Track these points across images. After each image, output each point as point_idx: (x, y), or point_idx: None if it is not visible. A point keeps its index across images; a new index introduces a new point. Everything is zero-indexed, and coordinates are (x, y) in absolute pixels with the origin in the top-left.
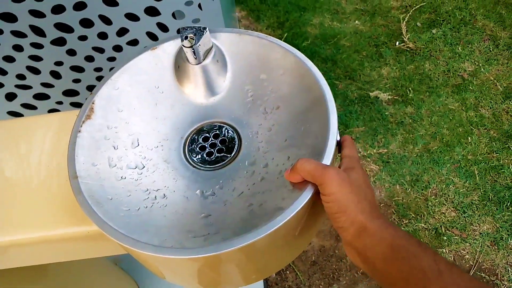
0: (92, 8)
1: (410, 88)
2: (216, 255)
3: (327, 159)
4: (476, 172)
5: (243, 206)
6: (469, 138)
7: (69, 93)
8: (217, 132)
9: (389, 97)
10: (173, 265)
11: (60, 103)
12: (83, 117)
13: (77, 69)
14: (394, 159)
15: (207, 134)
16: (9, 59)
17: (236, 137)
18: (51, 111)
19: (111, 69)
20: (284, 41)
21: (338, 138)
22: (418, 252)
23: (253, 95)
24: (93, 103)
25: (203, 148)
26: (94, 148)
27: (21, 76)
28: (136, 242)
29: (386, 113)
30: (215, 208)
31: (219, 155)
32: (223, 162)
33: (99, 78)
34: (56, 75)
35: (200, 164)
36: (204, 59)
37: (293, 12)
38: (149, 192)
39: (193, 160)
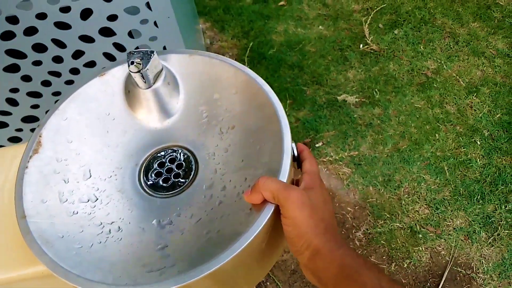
0: (43, 32)
1: (376, 90)
2: None
3: (283, 178)
4: (445, 168)
5: (200, 234)
6: (437, 135)
7: (28, 119)
8: (173, 156)
9: (357, 99)
10: None
11: (20, 130)
12: (30, 152)
13: (35, 94)
14: (365, 161)
15: (163, 159)
16: None
17: (192, 160)
18: (11, 139)
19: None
20: (249, 50)
21: (296, 153)
22: (363, 270)
23: (208, 116)
24: (40, 136)
25: (159, 174)
26: (43, 184)
27: None
28: (88, 281)
29: (355, 115)
30: (172, 238)
31: (175, 180)
32: (180, 188)
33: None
34: (12, 102)
35: (156, 192)
36: (154, 82)
37: (257, 21)
38: (103, 226)
39: (148, 188)
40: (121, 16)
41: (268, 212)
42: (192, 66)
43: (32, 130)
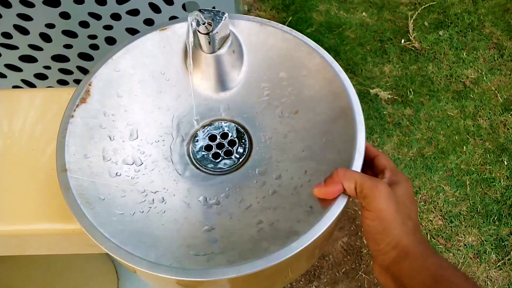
0: None
1: (411, 89)
2: (220, 280)
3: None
4: (467, 182)
5: (251, 223)
6: (464, 147)
7: (58, 58)
8: (226, 131)
9: (389, 96)
10: (169, 284)
11: (48, 67)
12: (78, 100)
13: (70, 34)
14: None
15: (215, 133)
16: None
17: (246, 139)
18: (37, 75)
19: (106, 38)
20: (287, 25)
21: None
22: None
23: (269, 95)
24: (89, 84)
25: (208, 148)
26: (87, 137)
27: (7, 35)
28: (130, 255)
29: (384, 112)
30: (219, 221)
31: (226, 157)
32: (230, 167)
33: (93, 46)
34: (46, 37)
35: (204, 166)
36: (219, 48)
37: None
38: (146, 194)
39: (196, 160)
40: None
41: (334, 214)
42: (262, 37)
43: (60, 70)
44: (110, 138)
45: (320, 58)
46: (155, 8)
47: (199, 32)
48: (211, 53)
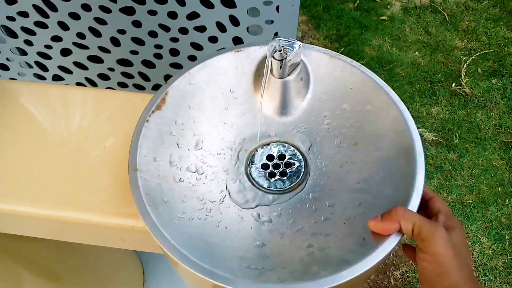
0: None
1: (457, 134)
2: None
3: None
4: (507, 237)
5: (301, 245)
6: (507, 200)
7: (122, 62)
8: (284, 153)
9: (434, 138)
10: (205, 285)
11: (111, 69)
12: (153, 107)
13: (138, 41)
14: None
15: (273, 153)
16: (74, 16)
17: (303, 164)
18: (100, 75)
19: (170, 50)
20: None
21: None
22: None
23: (329, 124)
24: (166, 93)
25: (265, 167)
26: (158, 142)
27: (81, 35)
28: (186, 259)
29: (427, 153)
30: (271, 238)
31: (281, 178)
32: (284, 188)
33: (157, 55)
34: (115, 42)
35: (259, 184)
36: (288, 74)
37: (354, 28)
38: (204, 202)
39: (253, 177)
40: None
41: (387, 249)
42: (330, 69)
43: (123, 73)
44: (178, 145)
45: (386, 96)
46: (221, 27)
47: (274, 58)
48: (280, 78)
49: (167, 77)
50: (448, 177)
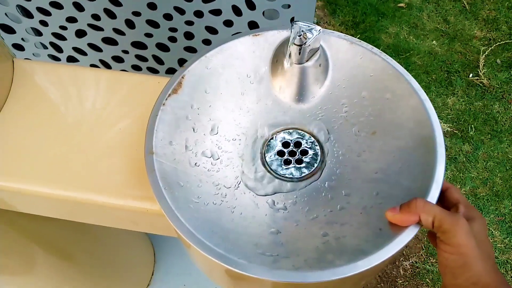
0: None
1: (472, 126)
2: (285, 283)
3: None
4: None
5: (316, 233)
6: None
7: (137, 45)
8: (300, 140)
9: (449, 129)
10: (217, 270)
11: (126, 52)
12: (170, 91)
13: (153, 23)
14: None
15: (289, 140)
16: None
17: (319, 152)
18: (114, 57)
19: (185, 33)
20: None
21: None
22: None
23: (347, 112)
24: (182, 77)
25: (281, 154)
26: (174, 126)
27: (96, 17)
28: (202, 243)
29: None
30: (286, 226)
31: (297, 166)
32: (300, 176)
33: (171, 38)
34: (130, 24)
35: (274, 170)
36: (307, 60)
37: (371, 15)
38: (220, 188)
39: (268, 164)
40: None
41: (404, 240)
42: (350, 55)
43: (137, 56)
44: (194, 130)
45: (406, 84)
46: (237, 11)
47: (294, 43)
48: (298, 63)
49: (181, 61)
50: (462, 169)
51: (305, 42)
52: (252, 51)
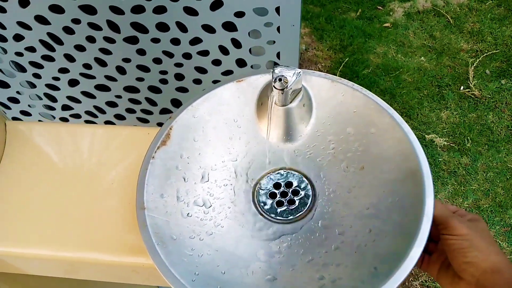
0: (171, 13)
1: (468, 138)
2: None
3: (419, 245)
4: None
5: (312, 277)
6: None
7: (129, 89)
8: (290, 180)
9: (445, 142)
10: None
11: (119, 96)
12: (158, 143)
13: (143, 68)
14: None
15: (280, 181)
16: (80, 48)
17: (310, 190)
18: (108, 103)
19: (176, 74)
20: (344, 65)
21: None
22: None
23: (335, 148)
24: (170, 128)
25: (273, 196)
26: (164, 178)
27: (87, 66)
28: None
29: (440, 159)
30: (282, 271)
31: (290, 207)
32: (293, 216)
33: (162, 81)
34: (121, 70)
35: (267, 213)
36: (291, 102)
37: (358, 37)
38: (214, 237)
39: (261, 207)
40: (248, 15)
41: (400, 278)
42: (332, 93)
43: (130, 99)
44: (184, 180)
45: (389, 118)
46: (224, 50)
47: (275, 87)
48: (282, 105)
49: (174, 101)
50: (463, 182)
51: (287, 86)
52: (237, 96)
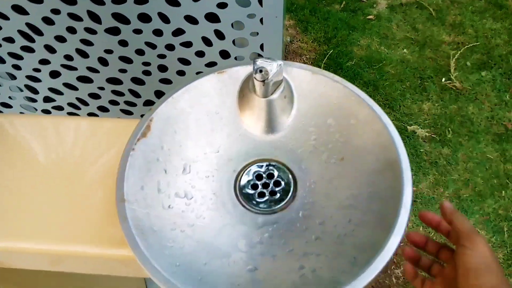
0: (153, 4)
1: (449, 129)
2: None
3: (397, 235)
4: (505, 228)
5: (293, 266)
6: (503, 192)
7: (112, 81)
8: (272, 171)
9: (427, 134)
10: None
11: (102, 88)
12: (139, 135)
13: (126, 59)
14: (422, 199)
15: (261, 172)
16: (60, 39)
17: (292, 181)
18: (91, 94)
19: (159, 66)
20: (328, 57)
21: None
22: None
23: (316, 139)
24: (150, 120)
25: (255, 187)
26: (145, 170)
27: (68, 57)
28: None
29: (421, 150)
30: (263, 261)
31: (271, 197)
32: (274, 207)
33: (146, 72)
34: (103, 61)
35: (249, 204)
36: (272, 93)
37: (342, 30)
38: (195, 229)
39: (243, 198)
40: (231, 6)
41: (378, 267)
42: (313, 85)
43: (113, 91)
44: (165, 172)
45: (369, 109)
46: (207, 42)
47: (256, 79)
48: (264, 97)
49: (157, 93)
50: (444, 172)
51: (268, 77)
52: (219, 88)
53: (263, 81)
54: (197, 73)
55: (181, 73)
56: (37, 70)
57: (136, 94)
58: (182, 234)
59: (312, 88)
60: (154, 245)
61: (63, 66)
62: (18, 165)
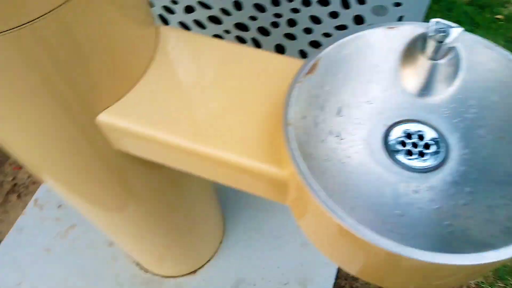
0: None
1: None
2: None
3: None
4: None
5: (440, 221)
6: None
7: (239, 26)
8: (423, 134)
9: None
10: (329, 230)
11: (227, 32)
12: (306, 69)
13: (259, 7)
14: None
15: (412, 132)
16: None
17: (443, 147)
18: (215, 35)
19: (289, 20)
20: None
21: None
22: None
23: (476, 113)
24: (318, 59)
25: (403, 144)
26: (306, 102)
27: None
28: (335, 210)
29: None
30: (409, 210)
31: (420, 158)
32: (422, 167)
33: (274, 24)
34: (238, 5)
35: (397, 159)
36: (441, 58)
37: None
38: (345, 166)
39: (391, 151)
40: None
41: None
42: (485, 58)
43: (237, 37)
44: (322, 109)
45: None
46: (345, 4)
47: (432, 39)
48: (432, 60)
49: (278, 47)
50: None
51: (445, 41)
52: (384, 42)
53: (440, 42)
54: (324, 34)
55: (308, 31)
56: (174, 2)
57: (257, 44)
58: (334, 167)
59: (483, 61)
60: (314, 168)
61: (199, 3)
62: (189, 71)
